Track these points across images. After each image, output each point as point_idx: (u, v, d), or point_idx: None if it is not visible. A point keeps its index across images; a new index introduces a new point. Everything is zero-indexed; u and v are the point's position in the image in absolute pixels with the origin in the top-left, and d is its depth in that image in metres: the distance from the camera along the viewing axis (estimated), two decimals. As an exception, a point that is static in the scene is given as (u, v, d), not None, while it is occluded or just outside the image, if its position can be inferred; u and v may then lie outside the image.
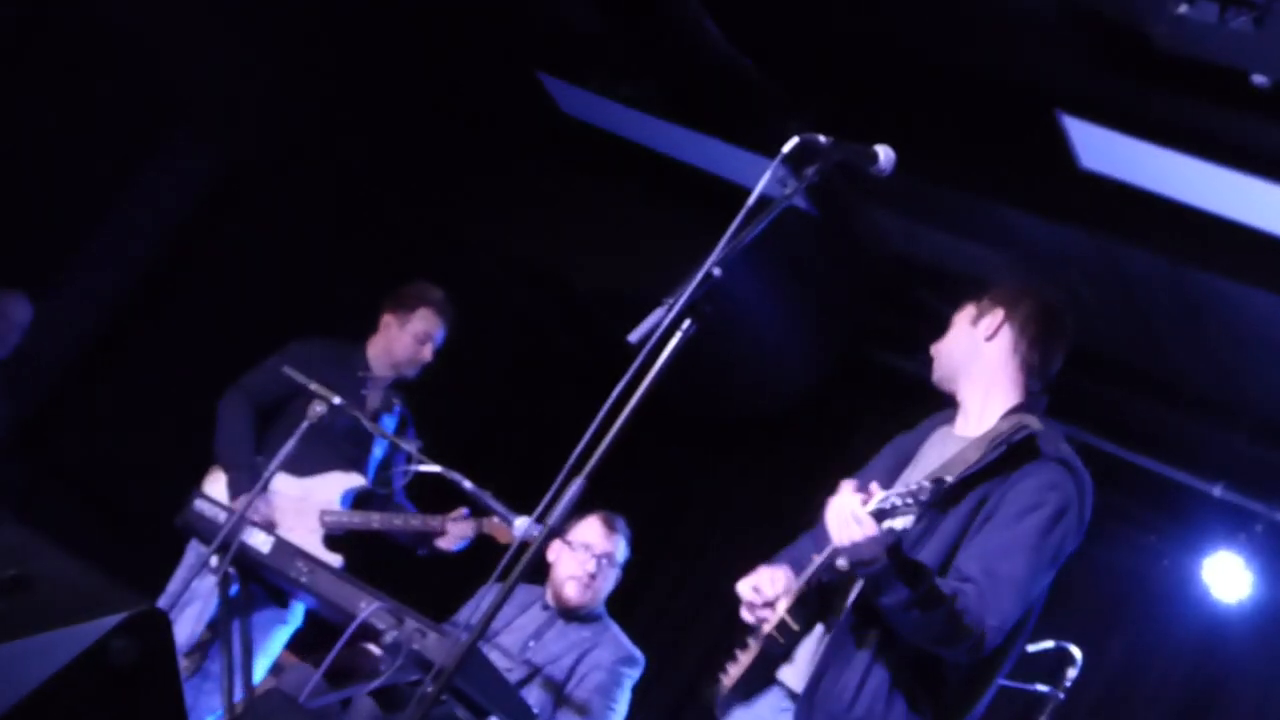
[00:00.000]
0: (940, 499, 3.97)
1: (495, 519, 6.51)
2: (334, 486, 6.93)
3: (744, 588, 4.61)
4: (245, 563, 5.77)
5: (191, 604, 6.39)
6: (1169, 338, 7.74)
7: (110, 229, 8.75)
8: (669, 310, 4.14)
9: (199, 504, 5.88)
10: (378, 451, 7.09)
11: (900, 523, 3.92)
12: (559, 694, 5.92)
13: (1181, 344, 7.74)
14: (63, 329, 8.60)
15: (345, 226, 9.65)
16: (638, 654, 6.19)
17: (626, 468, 8.76)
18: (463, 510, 6.74)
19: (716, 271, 4.17)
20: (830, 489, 9.21)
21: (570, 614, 6.23)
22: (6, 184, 8.14)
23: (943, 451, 4.42)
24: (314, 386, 6.13)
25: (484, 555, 6.53)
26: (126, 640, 3.56)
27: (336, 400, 6.08)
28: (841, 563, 4.21)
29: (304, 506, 6.85)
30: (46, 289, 8.29)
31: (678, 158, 8.38)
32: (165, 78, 8.47)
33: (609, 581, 6.28)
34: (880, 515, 3.97)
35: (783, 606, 4.48)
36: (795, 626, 4.44)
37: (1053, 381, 4.59)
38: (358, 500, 7.00)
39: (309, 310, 9.52)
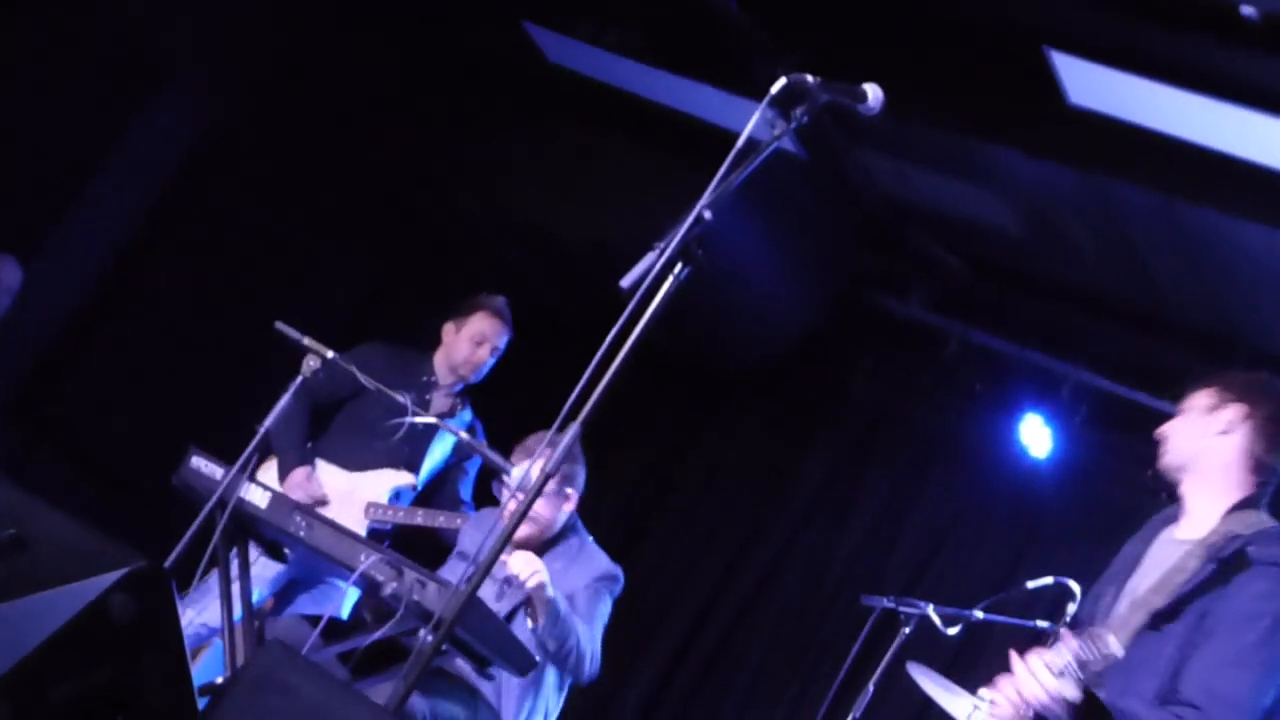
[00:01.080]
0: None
1: None
2: (383, 483, 6.97)
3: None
4: (242, 519, 5.77)
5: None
6: (1163, 272, 7.74)
7: (96, 192, 8.71)
8: (661, 255, 4.13)
9: (194, 462, 5.87)
10: (438, 454, 7.07)
11: (1069, 691, 3.79)
12: None
13: (1176, 278, 7.73)
14: (52, 293, 8.57)
15: (332, 184, 9.62)
16: (615, 569, 6.07)
17: (623, 417, 8.78)
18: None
19: (707, 214, 4.17)
20: (828, 431, 9.17)
21: (537, 553, 6.11)
22: (-9, 150, 8.12)
23: (1162, 560, 4.23)
24: (307, 341, 6.11)
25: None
26: (126, 596, 3.57)
27: (330, 354, 6.07)
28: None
29: (350, 499, 6.87)
30: (34, 253, 8.26)
31: (666, 104, 8.35)
32: (149, 39, 8.42)
33: (551, 509, 6.12)
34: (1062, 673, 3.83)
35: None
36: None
37: None
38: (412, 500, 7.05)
39: (298, 271, 9.51)
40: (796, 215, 8.74)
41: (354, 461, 7.00)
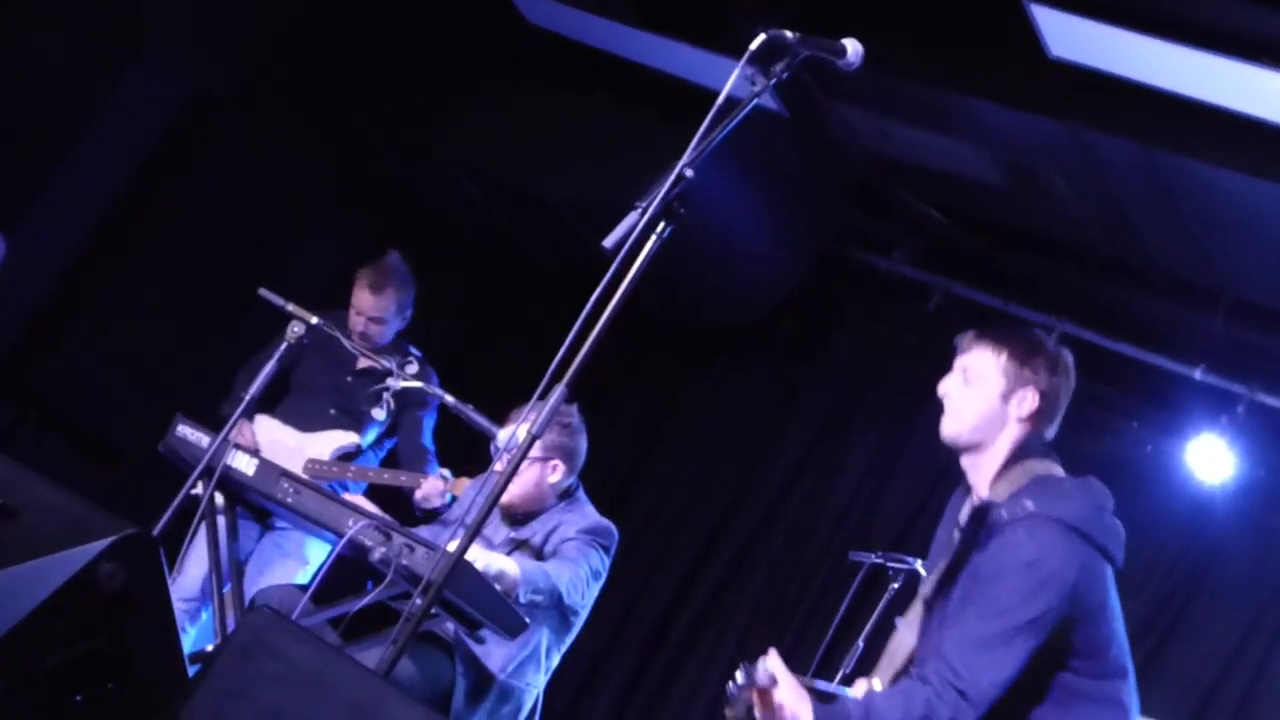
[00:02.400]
0: None
1: (463, 480, 6.56)
2: (329, 443, 7.01)
3: None
4: (230, 485, 5.78)
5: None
6: (1145, 223, 7.74)
7: (78, 163, 8.69)
8: (643, 214, 4.13)
9: (181, 430, 5.88)
10: (380, 416, 7.09)
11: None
12: None
13: (1157, 229, 7.73)
14: (35, 264, 8.56)
15: (314, 150, 9.60)
16: (607, 524, 6.01)
17: (607, 378, 8.80)
18: (440, 471, 6.78)
19: (689, 172, 4.17)
20: (813, 388, 9.17)
21: (520, 519, 6.15)
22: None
23: (947, 544, 4.42)
24: (291, 307, 6.13)
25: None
26: (114, 564, 3.58)
27: (314, 319, 6.08)
28: None
29: (297, 457, 6.89)
30: (16, 225, 8.25)
31: (646, 64, 8.33)
32: (128, 6, 8.38)
33: (536, 475, 6.14)
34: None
35: None
36: None
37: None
38: (345, 456, 7.09)
39: (281, 237, 9.50)
40: (778, 173, 8.74)
41: (307, 424, 7.10)
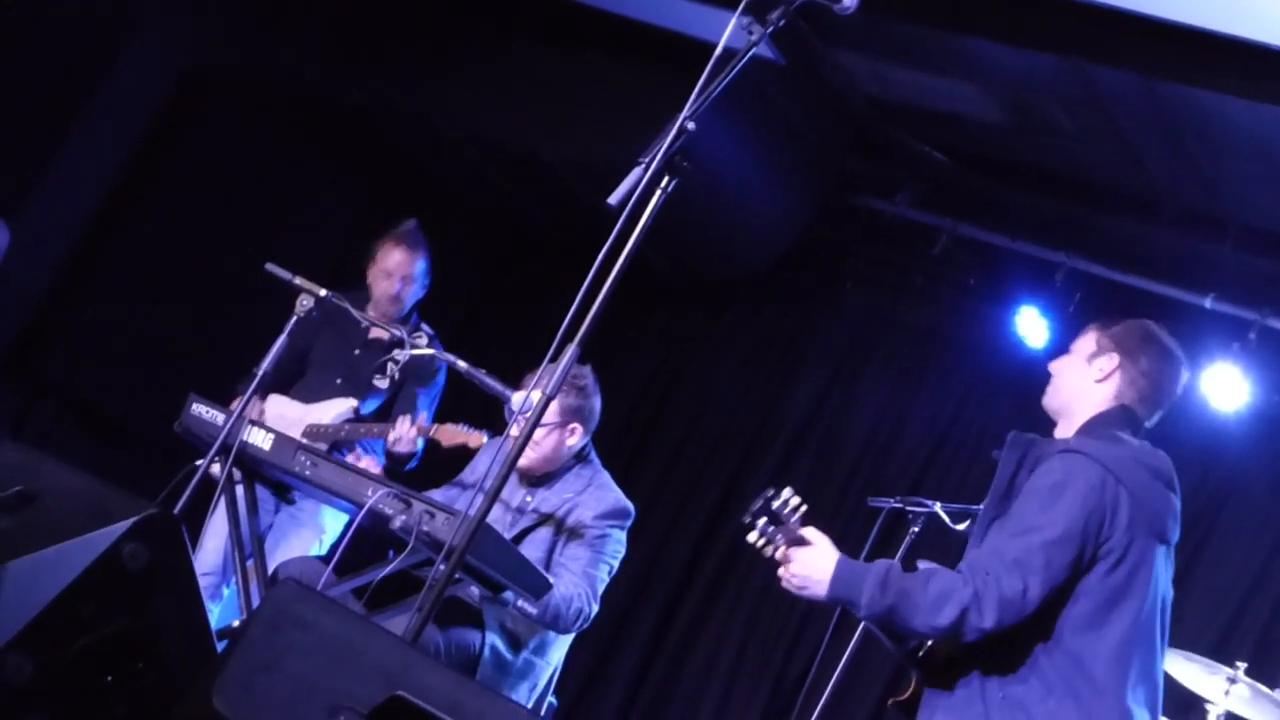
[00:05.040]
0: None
1: (447, 425, 6.55)
2: (329, 411, 7.01)
3: None
4: (246, 462, 5.79)
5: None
6: (1149, 155, 7.71)
7: (75, 146, 8.69)
8: (646, 169, 4.12)
9: (195, 408, 5.88)
10: (383, 385, 7.08)
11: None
12: (549, 557, 5.88)
13: (1162, 160, 7.71)
14: (40, 248, 8.56)
15: (312, 121, 9.59)
16: (625, 505, 6.03)
17: (618, 335, 8.81)
18: (419, 419, 6.77)
19: (690, 125, 4.16)
20: (824, 336, 9.15)
21: (538, 480, 6.15)
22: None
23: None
24: (298, 281, 6.12)
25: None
26: (137, 544, 3.58)
27: (323, 292, 6.07)
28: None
29: (297, 428, 6.89)
30: (17, 211, 8.24)
31: (641, 19, 8.30)
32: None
33: (554, 439, 6.10)
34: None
35: None
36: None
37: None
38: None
39: (283, 211, 9.50)
40: (778, 122, 8.71)
41: (311, 395, 7.14)
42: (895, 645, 4.45)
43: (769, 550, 4.30)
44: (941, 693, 4.34)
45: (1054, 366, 4.65)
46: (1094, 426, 4.43)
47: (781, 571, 4.29)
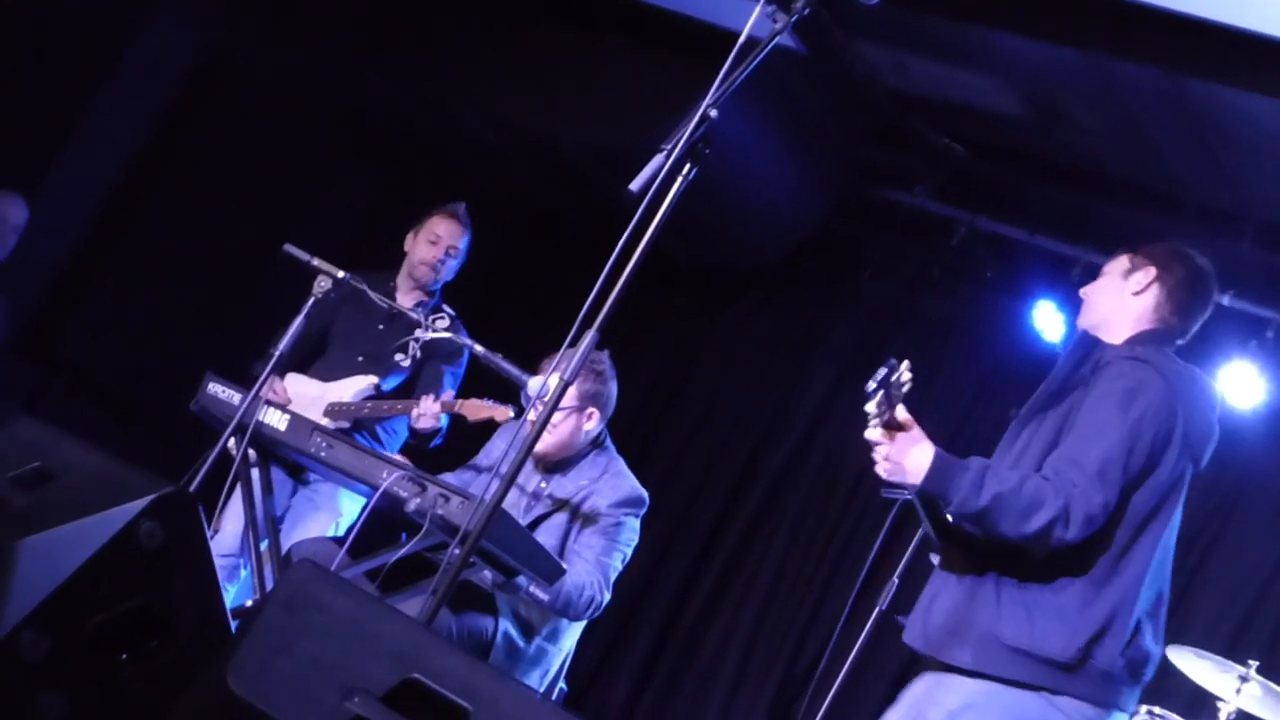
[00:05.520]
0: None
1: (472, 400, 6.52)
2: (350, 388, 6.97)
3: None
4: (263, 442, 5.80)
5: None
6: (1169, 150, 7.69)
7: (93, 125, 8.70)
8: (668, 156, 4.12)
9: (212, 387, 5.89)
10: (404, 363, 7.05)
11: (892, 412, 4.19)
12: (564, 544, 5.87)
13: (1182, 155, 7.69)
14: (57, 226, 8.58)
15: (330, 104, 9.59)
16: (640, 493, 6.01)
17: (634, 321, 8.79)
18: (444, 395, 6.76)
19: (713, 113, 4.16)
20: (840, 326, 9.12)
21: (554, 466, 6.12)
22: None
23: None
24: (316, 262, 6.12)
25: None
26: (154, 522, 3.59)
27: (341, 274, 6.08)
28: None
29: (317, 404, 6.88)
30: (36, 188, 8.26)
31: (663, 6, 8.29)
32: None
33: (571, 424, 6.09)
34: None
35: None
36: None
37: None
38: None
39: (300, 193, 9.50)
40: (798, 112, 8.70)
41: (331, 373, 7.06)
42: (932, 523, 4.49)
43: (872, 427, 4.24)
44: (952, 575, 4.43)
45: (1086, 290, 4.74)
46: (1146, 340, 4.52)
47: (877, 454, 4.26)
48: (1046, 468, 4.24)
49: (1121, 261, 4.68)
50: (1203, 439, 4.42)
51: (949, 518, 4.39)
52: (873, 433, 4.21)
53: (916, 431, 4.21)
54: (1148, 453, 4.26)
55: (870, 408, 4.17)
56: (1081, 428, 4.28)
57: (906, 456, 4.21)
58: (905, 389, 4.12)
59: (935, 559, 4.59)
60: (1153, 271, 4.58)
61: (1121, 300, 4.61)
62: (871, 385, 4.12)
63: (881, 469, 4.27)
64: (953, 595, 4.38)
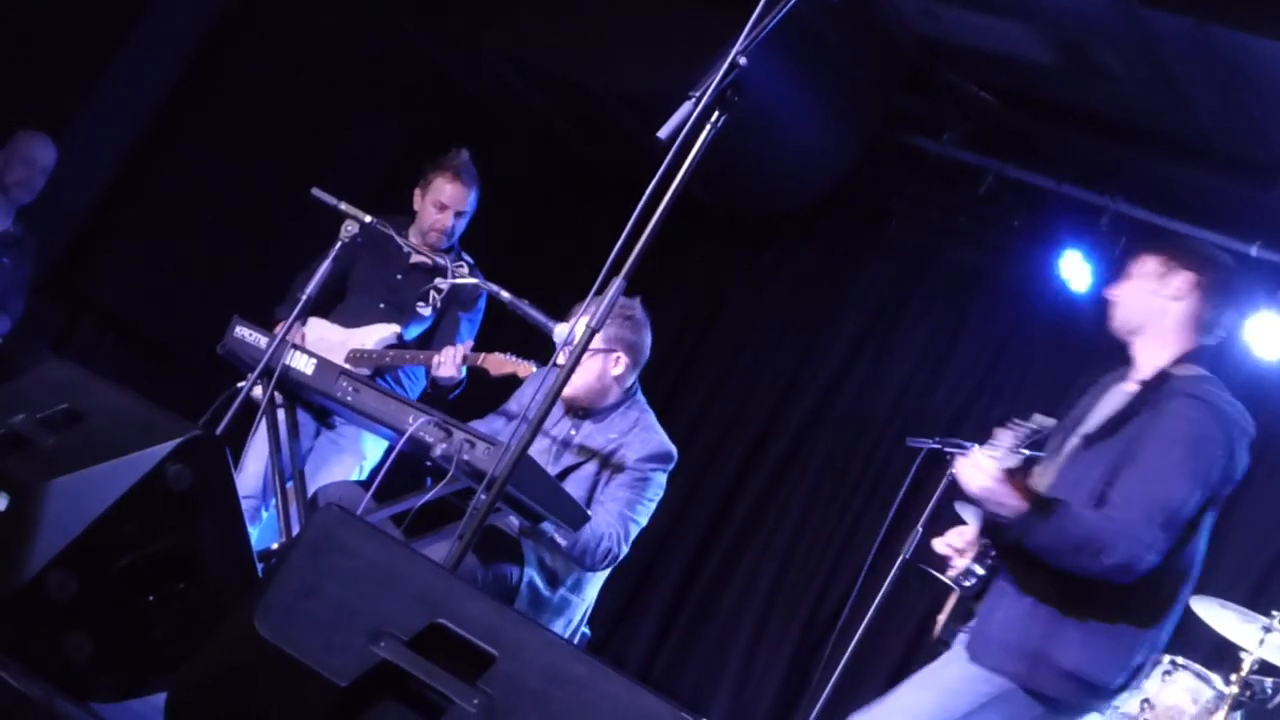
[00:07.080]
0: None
1: (495, 354, 6.51)
2: (372, 335, 6.97)
3: (940, 545, 4.85)
4: (288, 386, 5.80)
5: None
6: (1200, 100, 7.65)
7: (122, 68, 8.70)
8: (697, 103, 4.10)
9: (239, 331, 5.90)
10: (426, 312, 7.03)
11: (1009, 461, 4.41)
12: (591, 495, 5.85)
13: (1213, 105, 7.65)
14: (85, 168, 8.59)
15: (357, 47, 9.56)
16: (669, 448, 5.96)
17: (660, 268, 8.77)
18: (464, 345, 6.75)
19: (742, 60, 4.14)
20: (867, 274, 9.16)
21: (584, 412, 6.05)
22: (16, 27, 8.08)
23: (1109, 405, 4.69)
24: (344, 206, 6.11)
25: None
26: (181, 465, 3.61)
27: (368, 218, 6.07)
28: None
29: (339, 350, 6.87)
30: (63, 130, 8.27)
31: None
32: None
33: (598, 367, 5.99)
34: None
35: (969, 556, 4.75)
36: (981, 571, 4.72)
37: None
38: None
39: (327, 137, 9.49)
40: (827, 58, 8.66)
41: (353, 319, 7.04)
42: (998, 544, 4.62)
43: (993, 455, 4.44)
44: (1015, 591, 4.54)
45: (1117, 293, 4.75)
46: (1198, 359, 4.61)
47: (979, 472, 4.43)
48: (1113, 507, 4.37)
49: (1151, 264, 4.69)
50: (1242, 471, 4.53)
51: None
52: (989, 460, 4.39)
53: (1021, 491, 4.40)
54: (1203, 503, 4.41)
55: (1005, 442, 4.42)
56: (1147, 465, 4.40)
57: (1004, 498, 4.39)
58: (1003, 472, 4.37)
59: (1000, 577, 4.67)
60: (1191, 277, 4.61)
61: (1161, 306, 4.63)
62: (1023, 433, 4.43)
63: (973, 486, 4.42)
64: (1011, 612, 4.51)
